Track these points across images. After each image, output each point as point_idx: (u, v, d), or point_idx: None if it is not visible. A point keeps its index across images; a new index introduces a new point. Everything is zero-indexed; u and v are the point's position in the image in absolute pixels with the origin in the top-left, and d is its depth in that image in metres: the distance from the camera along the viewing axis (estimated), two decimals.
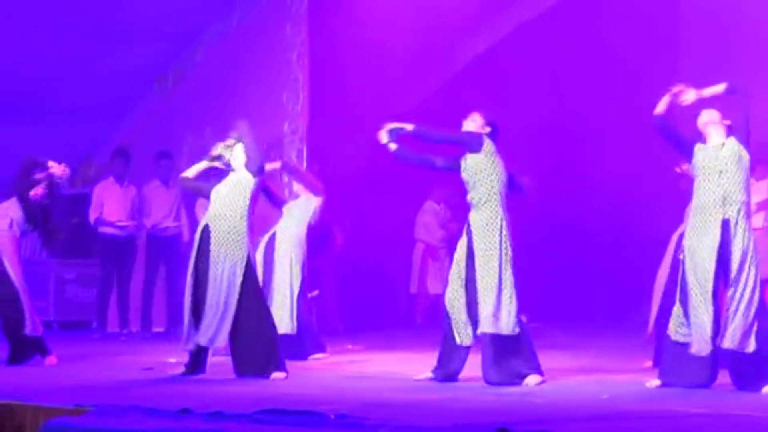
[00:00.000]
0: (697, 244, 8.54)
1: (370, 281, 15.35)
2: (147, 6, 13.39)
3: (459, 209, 15.32)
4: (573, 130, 15.90)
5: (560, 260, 15.82)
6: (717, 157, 8.58)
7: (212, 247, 9.47)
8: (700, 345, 8.46)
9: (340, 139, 14.27)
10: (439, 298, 15.80)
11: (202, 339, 9.45)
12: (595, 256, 15.92)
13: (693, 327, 8.52)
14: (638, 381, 8.96)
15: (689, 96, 8.74)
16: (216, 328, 9.40)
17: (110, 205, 13.81)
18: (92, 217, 13.78)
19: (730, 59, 14.48)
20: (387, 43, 14.06)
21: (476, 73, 15.19)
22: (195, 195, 10.96)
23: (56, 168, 10.44)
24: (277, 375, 9.35)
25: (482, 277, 9.01)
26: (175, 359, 10.16)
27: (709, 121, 8.69)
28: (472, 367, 9.73)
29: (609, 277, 16.08)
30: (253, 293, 9.53)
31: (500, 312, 8.94)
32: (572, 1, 14.71)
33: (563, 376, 9.23)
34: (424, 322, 15.71)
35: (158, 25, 13.77)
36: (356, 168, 14.72)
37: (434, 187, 15.70)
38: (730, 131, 8.66)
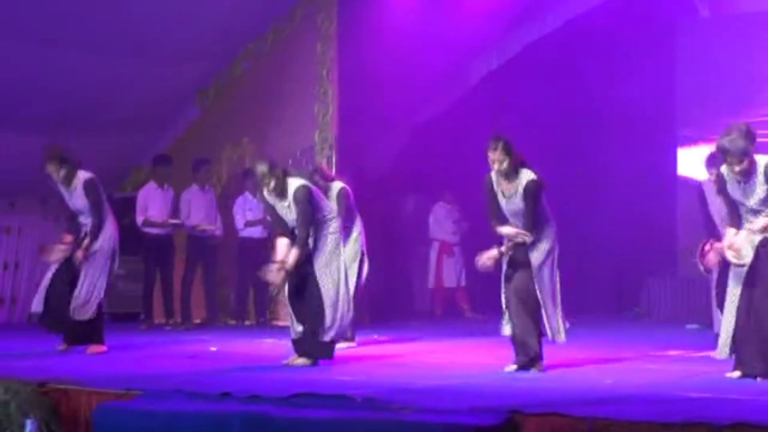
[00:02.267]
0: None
1: (394, 277, 15.36)
2: (191, 27, 13.41)
3: (467, 208, 15.43)
4: (578, 136, 15.92)
5: (567, 257, 15.78)
6: None
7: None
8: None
9: (366, 147, 14.29)
10: (453, 292, 15.88)
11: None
12: (600, 254, 15.90)
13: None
14: (639, 367, 8.94)
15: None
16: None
17: (153, 207, 13.84)
18: (139, 219, 13.80)
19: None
20: (409, 60, 14.07)
21: (489, 87, 15.22)
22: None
23: None
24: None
25: (541, 288, 8.86)
26: (216, 348, 10.18)
27: None
28: (489, 355, 9.74)
29: (613, 273, 16.06)
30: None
31: (557, 321, 8.91)
32: (576, 23, 14.68)
33: (570, 363, 9.20)
34: (442, 314, 15.73)
35: (200, 45, 13.79)
36: (381, 173, 14.74)
37: (445, 189, 15.72)
38: None
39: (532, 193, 8.73)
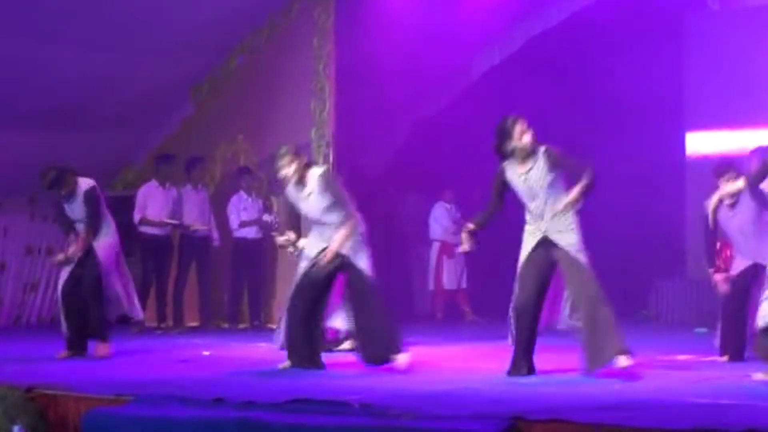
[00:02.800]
0: None
1: (393, 279, 15.33)
2: (184, 22, 13.41)
3: (467, 208, 15.41)
4: (583, 132, 15.87)
5: None
6: None
7: None
8: None
9: (364, 144, 14.28)
10: (454, 294, 15.85)
11: None
12: (605, 253, 15.88)
13: None
14: (646, 372, 8.92)
15: None
16: None
17: (153, 206, 13.83)
18: (136, 216, 13.79)
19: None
20: (409, 55, 14.06)
21: (491, 82, 15.18)
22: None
23: None
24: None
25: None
26: (209, 352, 10.17)
27: None
28: (491, 360, 9.73)
29: (619, 273, 16.04)
30: None
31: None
32: (581, 15, 14.66)
33: (575, 368, 9.17)
34: (443, 317, 15.70)
35: (194, 39, 13.79)
36: (379, 171, 14.73)
37: (445, 188, 15.69)
38: None
39: (552, 157, 8.96)
